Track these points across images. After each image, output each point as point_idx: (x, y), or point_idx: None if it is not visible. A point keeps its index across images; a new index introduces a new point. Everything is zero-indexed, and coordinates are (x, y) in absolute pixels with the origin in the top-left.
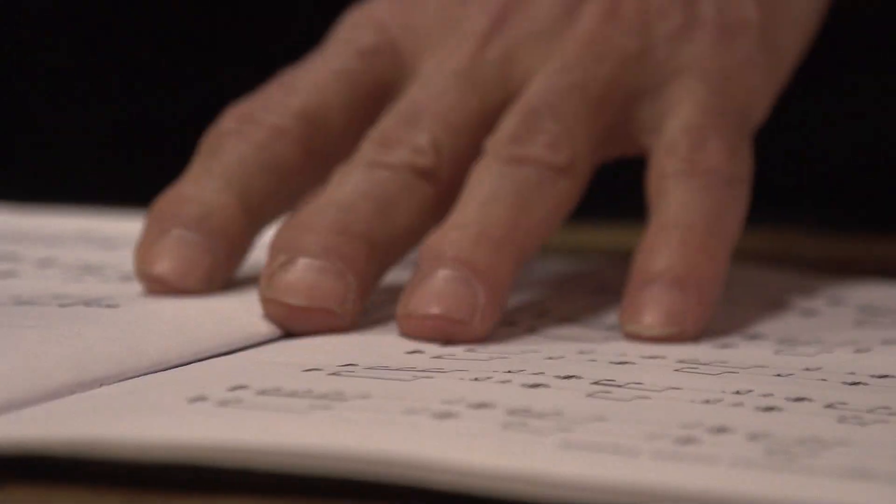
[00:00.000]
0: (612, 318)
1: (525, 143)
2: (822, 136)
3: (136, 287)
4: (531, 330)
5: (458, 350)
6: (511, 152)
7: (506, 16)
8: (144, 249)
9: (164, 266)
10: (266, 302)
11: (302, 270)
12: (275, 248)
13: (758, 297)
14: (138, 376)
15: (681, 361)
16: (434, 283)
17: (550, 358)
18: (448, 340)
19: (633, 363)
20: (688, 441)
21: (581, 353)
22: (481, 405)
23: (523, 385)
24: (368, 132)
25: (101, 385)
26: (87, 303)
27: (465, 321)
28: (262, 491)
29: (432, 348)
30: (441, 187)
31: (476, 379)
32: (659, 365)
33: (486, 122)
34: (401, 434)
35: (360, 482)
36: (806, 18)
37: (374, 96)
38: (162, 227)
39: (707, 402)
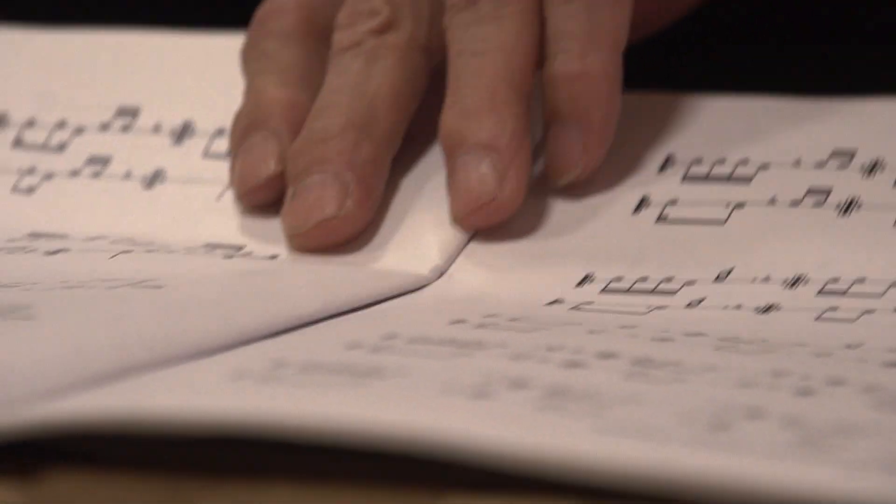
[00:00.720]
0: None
1: (354, 24)
2: None
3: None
4: (575, 302)
5: (500, 320)
6: (344, 40)
7: None
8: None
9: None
10: (290, 240)
11: (299, 196)
12: (287, 181)
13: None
14: (180, 358)
15: (722, 339)
16: (458, 179)
17: (592, 332)
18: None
19: (674, 340)
20: (720, 427)
21: (623, 327)
22: (518, 386)
23: (561, 364)
24: (335, 19)
25: (143, 368)
26: (134, 284)
27: (493, 197)
28: (299, 476)
29: (475, 317)
30: (406, 33)
31: (515, 357)
32: (699, 344)
33: None
34: (437, 414)
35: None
36: None
37: None
38: (233, 147)
39: (744, 384)
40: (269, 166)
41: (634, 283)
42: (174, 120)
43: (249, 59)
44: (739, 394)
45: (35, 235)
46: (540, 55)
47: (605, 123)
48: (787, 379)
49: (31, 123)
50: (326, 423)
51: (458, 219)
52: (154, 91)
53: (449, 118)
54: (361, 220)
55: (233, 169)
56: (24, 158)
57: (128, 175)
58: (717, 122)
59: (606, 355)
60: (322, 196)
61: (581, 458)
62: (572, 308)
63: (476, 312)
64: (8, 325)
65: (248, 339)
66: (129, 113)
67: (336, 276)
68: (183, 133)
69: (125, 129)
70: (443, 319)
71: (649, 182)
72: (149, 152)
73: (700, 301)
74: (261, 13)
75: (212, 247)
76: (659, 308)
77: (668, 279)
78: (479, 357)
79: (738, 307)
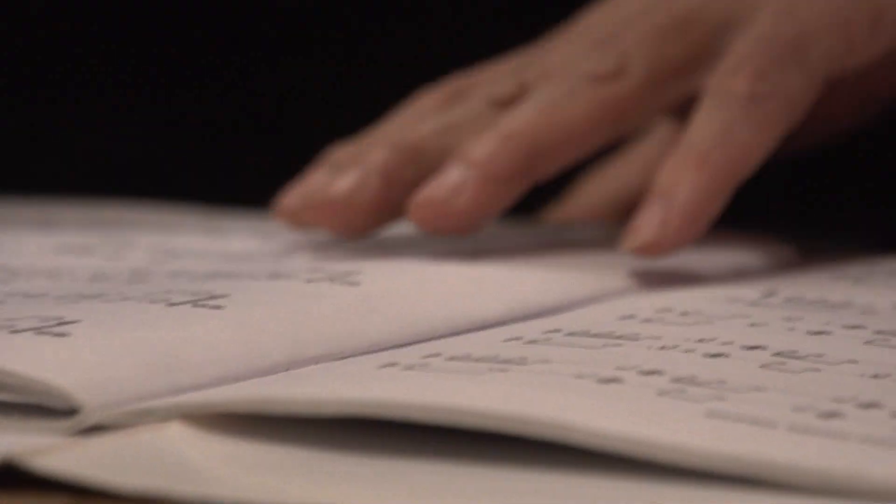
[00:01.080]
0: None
1: (576, 64)
2: None
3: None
4: (765, 295)
5: (670, 315)
6: (558, 72)
7: None
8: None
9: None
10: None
11: (320, 177)
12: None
13: None
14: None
15: (878, 332)
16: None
17: (753, 325)
18: (444, 228)
19: (830, 332)
20: (831, 415)
21: (786, 319)
22: (651, 372)
23: (704, 354)
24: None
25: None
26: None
27: (449, 200)
28: None
29: (645, 310)
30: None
31: (663, 347)
32: (853, 336)
33: None
34: (561, 397)
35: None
36: None
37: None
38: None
39: (876, 376)
40: (372, 188)
41: None
42: None
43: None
44: (867, 384)
45: None
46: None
47: (695, 207)
48: None
49: None
50: (441, 407)
51: (412, 207)
52: None
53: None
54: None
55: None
56: None
57: None
58: None
59: (752, 347)
60: (342, 182)
61: (685, 442)
62: (751, 302)
63: (649, 308)
64: (197, 312)
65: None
66: None
67: (527, 280)
68: None
69: None
70: (612, 315)
71: None
72: None
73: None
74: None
75: None
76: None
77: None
78: (627, 347)
79: None
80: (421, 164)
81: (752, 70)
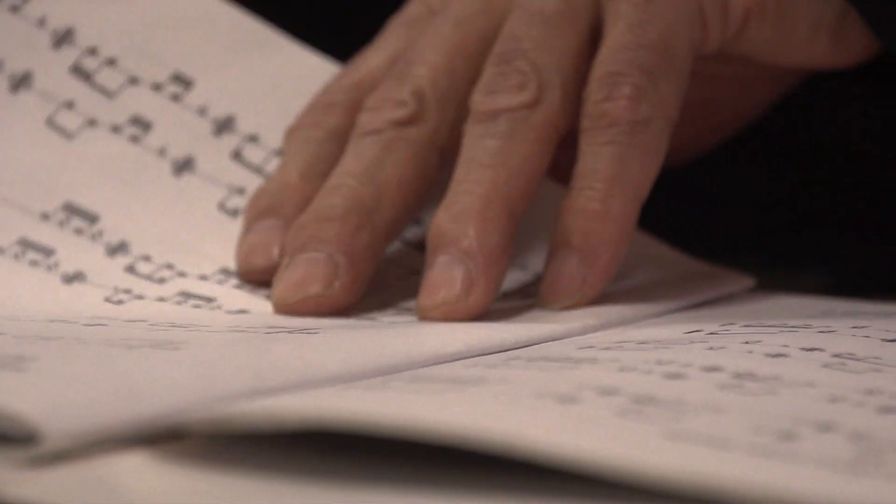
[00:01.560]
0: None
1: (496, 93)
2: None
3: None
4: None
5: (629, 344)
6: (484, 108)
7: None
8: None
9: (244, 251)
10: (277, 308)
11: (291, 268)
12: (284, 252)
13: None
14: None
15: (835, 355)
16: (431, 276)
17: (712, 349)
18: (456, 319)
19: (788, 356)
20: (788, 437)
21: (746, 342)
22: (610, 392)
23: (663, 375)
24: (364, 101)
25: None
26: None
27: (458, 301)
28: None
29: (604, 342)
30: (427, 130)
31: (622, 369)
32: (811, 359)
33: (472, 55)
34: (519, 414)
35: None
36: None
37: None
38: (245, 226)
39: (833, 400)
40: (272, 253)
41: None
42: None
43: (291, 139)
44: (822, 408)
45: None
46: (538, 183)
47: (610, 263)
48: (877, 397)
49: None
50: (398, 417)
51: (421, 310)
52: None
53: (440, 218)
54: (345, 302)
55: (240, 245)
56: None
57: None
58: None
59: (711, 368)
60: (312, 273)
61: (642, 463)
62: (708, 334)
63: (607, 340)
64: (156, 352)
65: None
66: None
67: (481, 325)
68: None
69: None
70: (572, 346)
71: None
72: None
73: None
74: (316, 101)
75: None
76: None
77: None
78: (585, 369)
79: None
80: (374, 216)
81: (628, 92)
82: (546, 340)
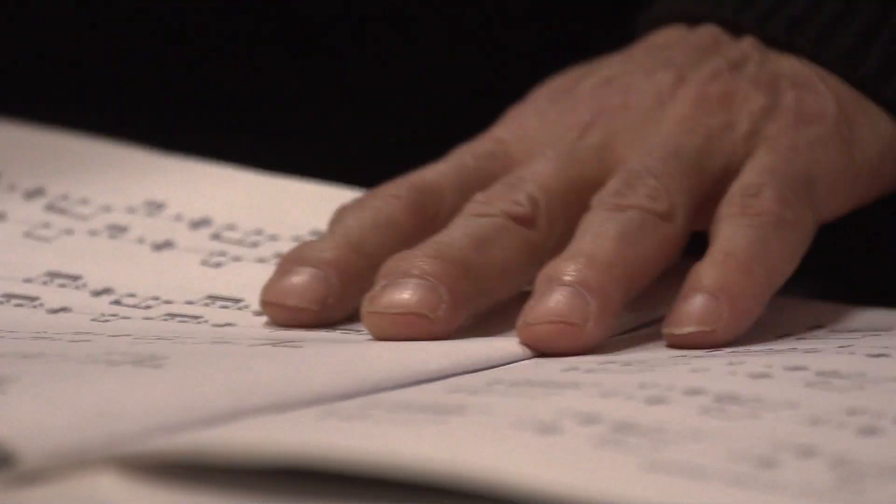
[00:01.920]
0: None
1: (627, 195)
2: None
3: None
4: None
5: (613, 365)
6: (615, 201)
7: (603, 110)
8: (269, 286)
9: (283, 293)
10: (367, 316)
11: (399, 288)
12: (379, 276)
13: None
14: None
15: (819, 373)
16: (550, 299)
17: (695, 371)
18: (563, 347)
19: (771, 377)
20: (768, 465)
21: (730, 364)
22: (589, 421)
23: (645, 401)
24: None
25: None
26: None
27: (579, 324)
28: None
29: (590, 363)
30: (537, 234)
31: (602, 395)
32: (793, 378)
33: (582, 191)
34: (497, 449)
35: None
36: (886, 131)
37: (482, 181)
38: (284, 269)
39: (813, 422)
40: (309, 298)
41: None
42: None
43: (341, 215)
44: (803, 431)
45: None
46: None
47: (746, 313)
48: (859, 417)
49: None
50: (374, 456)
51: (530, 328)
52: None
53: (559, 264)
54: (446, 330)
55: (273, 284)
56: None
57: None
58: None
59: (693, 391)
60: (415, 294)
61: (619, 497)
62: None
63: (592, 360)
64: (137, 370)
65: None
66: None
67: (465, 341)
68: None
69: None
70: (560, 365)
71: None
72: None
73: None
74: (376, 190)
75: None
76: (784, 336)
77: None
78: (567, 395)
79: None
80: (476, 280)
81: (775, 196)
82: (529, 357)
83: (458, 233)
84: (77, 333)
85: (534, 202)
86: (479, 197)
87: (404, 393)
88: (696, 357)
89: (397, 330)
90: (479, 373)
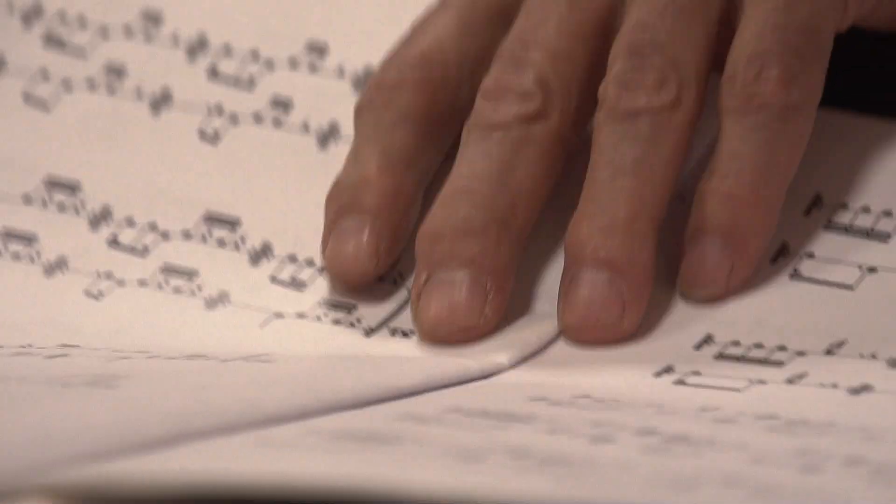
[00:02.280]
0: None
1: (633, 90)
2: None
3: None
4: (684, 371)
5: (586, 400)
6: (623, 107)
7: None
8: (325, 250)
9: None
10: (416, 325)
11: (436, 294)
12: (419, 260)
13: None
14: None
15: (790, 423)
16: (580, 292)
17: (662, 413)
18: (605, 341)
19: (736, 422)
20: (687, 488)
21: (702, 409)
22: (518, 455)
23: (590, 438)
24: (482, 84)
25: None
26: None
27: (614, 324)
28: None
29: (558, 394)
30: (557, 121)
31: (549, 431)
32: (759, 427)
33: (593, 41)
34: (425, 474)
35: None
36: None
37: (490, 23)
38: (334, 222)
39: (756, 461)
40: (364, 265)
41: (749, 349)
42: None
43: (361, 121)
44: (746, 469)
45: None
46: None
47: (758, 252)
48: (806, 458)
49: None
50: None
51: (570, 329)
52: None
53: (583, 228)
54: (494, 326)
55: (325, 246)
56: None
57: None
58: (872, 154)
59: (645, 432)
60: (461, 301)
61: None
62: (676, 381)
63: (566, 391)
64: (90, 391)
65: (334, 409)
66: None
67: (431, 358)
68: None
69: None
70: (528, 394)
71: (794, 226)
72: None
73: (802, 377)
74: (381, 76)
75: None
76: (760, 382)
77: (782, 348)
78: (514, 429)
79: (834, 385)
80: (511, 227)
81: (780, 74)
82: (499, 372)
83: (475, 175)
84: (60, 346)
85: (543, 85)
86: (485, 89)
87: (349, 418)
88: (684, 389)
89: (451, 343)
90: (444, 394)
